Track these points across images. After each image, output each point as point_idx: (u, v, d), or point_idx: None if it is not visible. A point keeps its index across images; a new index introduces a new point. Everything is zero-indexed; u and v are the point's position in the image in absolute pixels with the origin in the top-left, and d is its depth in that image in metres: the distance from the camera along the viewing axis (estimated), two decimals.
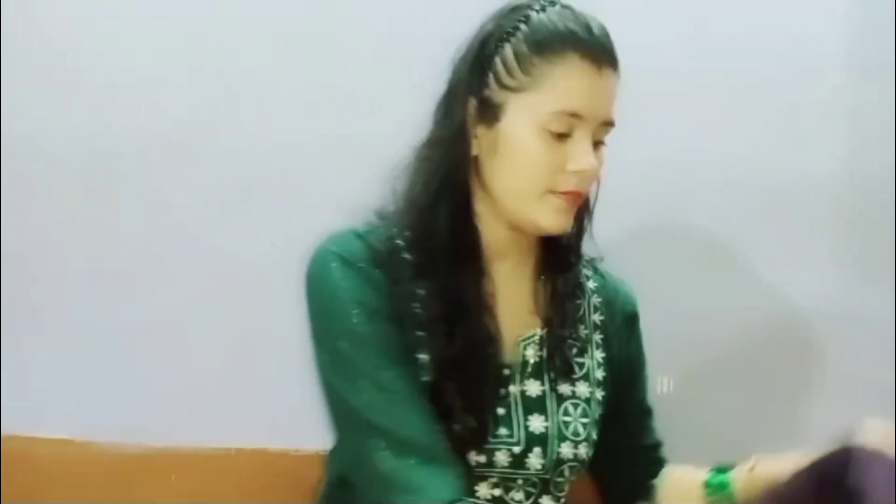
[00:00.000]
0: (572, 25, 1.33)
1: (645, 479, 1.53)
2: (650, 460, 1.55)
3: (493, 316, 1.38)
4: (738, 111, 1.80)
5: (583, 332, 1.45)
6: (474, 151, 1.35)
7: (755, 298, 1.83)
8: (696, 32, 1.79)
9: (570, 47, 1.32)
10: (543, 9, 1.35)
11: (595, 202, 1.46)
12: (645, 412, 1.57)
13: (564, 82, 1.32)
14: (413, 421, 1.29)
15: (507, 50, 1.34)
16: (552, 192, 1.33)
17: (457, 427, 1.32)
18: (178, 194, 1.82)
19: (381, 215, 1.41)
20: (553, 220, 1.35)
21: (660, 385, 1.81)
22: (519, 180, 1.34)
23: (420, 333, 1.34)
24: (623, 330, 1.50)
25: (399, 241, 1.37)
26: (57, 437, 1.83)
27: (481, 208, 1.39)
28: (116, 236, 1.83)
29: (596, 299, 1.49)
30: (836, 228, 1.84)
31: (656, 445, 1.56)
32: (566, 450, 1.39)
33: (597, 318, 1.48)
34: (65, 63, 1.81)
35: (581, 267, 1.49)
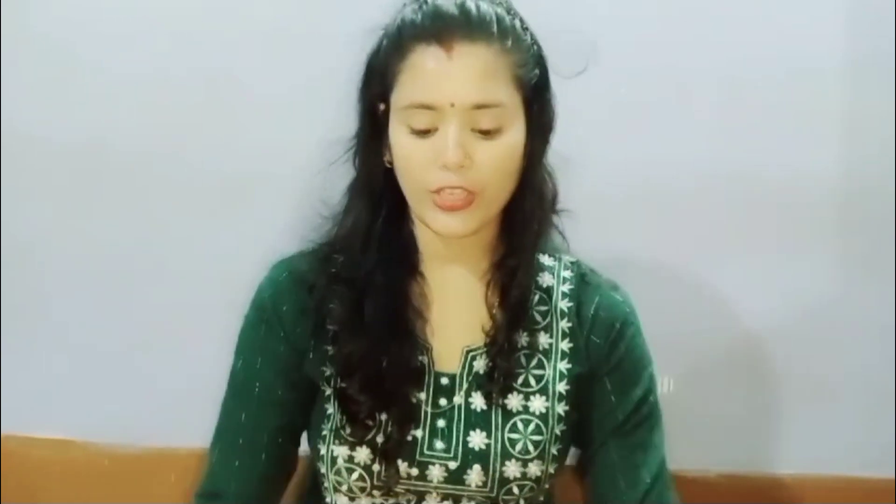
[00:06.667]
0: (417, 15, 1.25)
1: None
2: None
3: (419, 317, 1.32)
4: (737, 111, 1.80)
5: (546, 341, 1.34)
6: (387, 157, 1.30)
7: (755, 298, 1.83)
8: (695, 32, 1.78)
9: (414, 38, 1.24)
10: (418, 5, 1.27)
11: (555, 203, 1.36)
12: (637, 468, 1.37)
13: (411, 74, 1.23)
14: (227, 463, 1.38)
15: (382, 52, 1.28)
16: (434, 191, 1.23)
17: (370, 424, 1.29)
18: (177, 194, 1.83)
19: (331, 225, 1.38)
20: (441, 222, 1.25)
21: (660, 385, 1.81)
22: (404, 182, 1.28)
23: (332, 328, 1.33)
24: (597, 339, 1.36)
25: (335, 256, 1.35)
26: (57, 437, 1.84)
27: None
28: (118, 237, 1.84)
29: (566, 304, 1.36)
30: (836, 228, 1.84)
31: None
32: (512, 468, 1.29)
33: (564, 325, 1.35)
34: (62, 63, 1.81)
35: (556, 270, 1.38)
